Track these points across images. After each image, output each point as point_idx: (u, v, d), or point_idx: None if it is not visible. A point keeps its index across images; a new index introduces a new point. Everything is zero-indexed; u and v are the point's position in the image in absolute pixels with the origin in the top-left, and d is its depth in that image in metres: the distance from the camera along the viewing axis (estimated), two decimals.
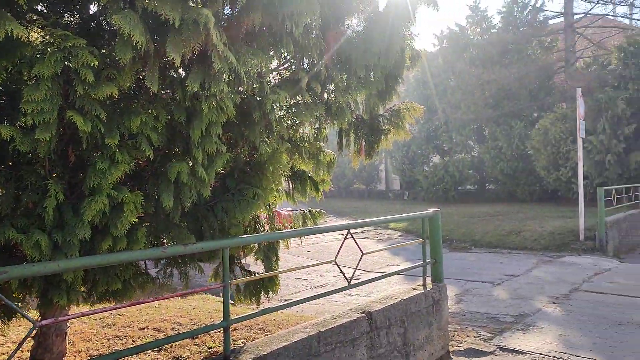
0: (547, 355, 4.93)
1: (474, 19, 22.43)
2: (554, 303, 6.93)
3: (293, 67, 3.88)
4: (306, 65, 3.88)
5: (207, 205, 3.62)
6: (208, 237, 3.58)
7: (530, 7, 20.90)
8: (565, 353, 4.98)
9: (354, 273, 4.33)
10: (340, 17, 3.81)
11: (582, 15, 20.51)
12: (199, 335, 4.29)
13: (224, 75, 2.93)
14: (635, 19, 21.48)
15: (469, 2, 22.21)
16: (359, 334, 3.85)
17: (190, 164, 3.15)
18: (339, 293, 4.39)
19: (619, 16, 22.59)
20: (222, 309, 3.16)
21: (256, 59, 3.13)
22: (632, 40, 16.31)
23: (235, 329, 4.58)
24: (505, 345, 5.21)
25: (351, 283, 4.15)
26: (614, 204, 11.76)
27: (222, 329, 3.15)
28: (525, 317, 6.23)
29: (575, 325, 5.87)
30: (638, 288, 7.71)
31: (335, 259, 4.06)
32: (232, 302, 4.52)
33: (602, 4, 20.67)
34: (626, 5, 21.23)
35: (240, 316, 3.26)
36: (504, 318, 6.22)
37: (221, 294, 4.24)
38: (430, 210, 5.25)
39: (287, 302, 3.65)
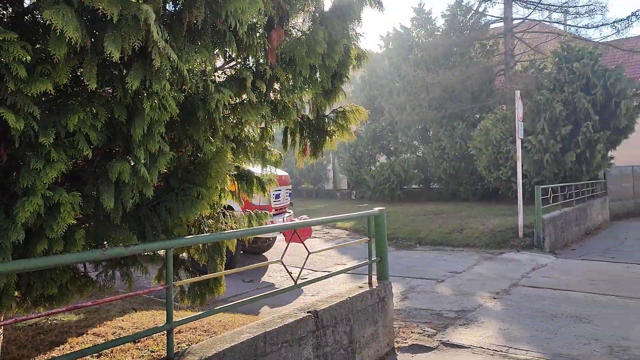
0: (488, 349, 5.09)
1: (418, 21, 22.90)
2: (495, 298, 7.17)
3: (238, 66, 3.85)
4: (251, 64, 3.85)
5: (150, 205, 3.54)
6: (151, 238, 3.50)
7: (472, 11, 21.53)
8: (505, 346, 5.16)
9: (300, 272, 4.35)
10: (285, 16, 3.81)
11: (521, 20, 21.28)
12: (142, 339, 4.18)
13: (167, 72, 2.87)
14: (569, 25, 22.46)
15: (414, 4, 22.66)
16: (305, 333, 3.86)
17: (132, 164, 3.07)
18: (287, 293, 4.38)
19: (555, 22, 23.55)
20: (165, 312, 3.10)
21: (200, 56, 3.09)
22: (566, 46, 17.10)
23: (179, 332, 4.50)
24: (448, 341, 5.35)
25: (297, 282, 4.16)
26: (550, 202, 12.28)
27: (165, 332, 3.08)
28: (468, 313, 6.41)
29: (514, 319, 6.10)
30: (571, 282, 8.09)
31: (282, 258, 4.06)
32: (176, 304, 4.44)
33: (539, 10, 21.50)
34: (561, 12, 22.17)
35: (183, 318, 3.21)
36: (447, 314, 6.39)
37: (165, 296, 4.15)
38: (376, 209, 5.33)
39: (233, 302, 3.62)
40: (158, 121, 2.97)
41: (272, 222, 8.28)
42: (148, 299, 6.79)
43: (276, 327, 3.58)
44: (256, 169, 4.69)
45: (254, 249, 10.58)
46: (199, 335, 4.47)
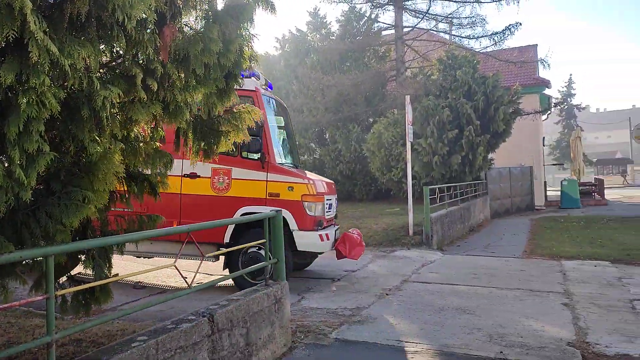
0: (381, 344, 5.28)
1: (314, 25, 23.28)
2: (387, 294, 7.45)
3: (127, 62, 3.67)
4: (142, 61, 3.69)
5: (28, 210, 3.28)
6: (29, 245, 3.25)
7: (365, 18, 22.26)
8: (397, 340, 5.38)
9: (194, 276, 4.24)
10: (177, 13, 3.70)
11: (411, 28, 22.33)
12: (19, 354, 3.86)
13: (46, 66, 2.67)
14: (454, 35, 23.88)
15: (309, 8, 22.98)
16: (200, 338, 3.77)
17: (7, 165, 2.83)
18: (182, 297, 4.25)
19: (441, 32, 24.94)
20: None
21: (84, 51, 2.90)
22: (450, 54, 18.22)
23: (62, 345, 4.21)
24: (343, 338, 5.47)
25: (192, 286, 4.05)
26: (438, 201, 12.98)
27: (45, 345, 2.87)
28: (362, 310, 6.60)
29: (405, 314, 6.37)
30: (457, 276, 8.61)
31: (175, 262, 3.93)
32: (58, 315, 4.15)
33: (427, 19, 22.67)
34: (446, 23, 23.55)
35: (66, 330, 3.00)
36: (342, 312, 6.53)
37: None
38: (272, 210, 5.33)
39: (121, 311, 3.45)
40: (36, 119, 2.76)
41: (327, 235, 7.90)
42: (27, 311, 6.28)
43: (169, 333, 3.46)
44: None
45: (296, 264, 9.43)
46: (85, 347, 4.21)
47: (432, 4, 21.95)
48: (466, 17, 21.56)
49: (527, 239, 13.50)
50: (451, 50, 18.90)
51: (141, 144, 4.15)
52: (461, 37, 22.38)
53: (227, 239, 7.79)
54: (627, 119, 61.72)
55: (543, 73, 25.54)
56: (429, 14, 21.97)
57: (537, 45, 27.07)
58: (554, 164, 38.31)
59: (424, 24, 22.50)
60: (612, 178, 52.02)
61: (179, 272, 4.01)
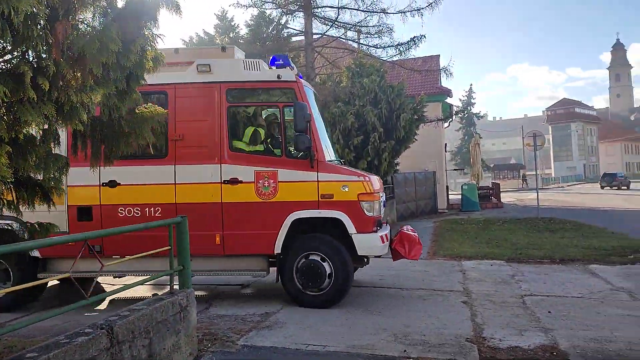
0: (289, 348, 5.27)
1: (223, 28, 22.97)
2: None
3: (15, 60, 3.43)
4: (31, 58, 3.47)
5: None
6: None
7: (275, 23, 22.29)
8: (305, 343, 5.39)
9: (93, 285, 4.03)
10: (72, 9, 3.50)
11: (320, 35, 22.64)
12: None
13: None
14: (362, 44, 24.50)
15: (217, 11, 22.63)
16: (98, 352, 3.57)
17: None
18: (78, 309, 4.01)
19: (350, 40, 25.47)
20: None
21: None
22: (358, 62, 18.70)
23: None
24: (251, 344, 5.41)
25: (90, 297, 3.84)
26: None
27: None
28: (271, 315, 6.57)
29: (314, 317, 6.41)
30: (364, 279, 8.80)
31: (70, 271, 3.71)
32: None
33: (336, 27, 23.08)
34: (355, 31, 24.11)
35: None
36: (251, 318, 6.46)
37: None
38: (178, 216, 5.18)
39: (9, 326, 3.19)
40: None
41: (386, 236, 7.14)
42: None
43: (63, 348, 3.25)
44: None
45: None
46: None
47: (340, 12, 22.23)
48: (374, 26, 22.16)
49: (430, 240, 14.08)
50: (359, 58, 19.38)
51: (33, 147, 3.88)
52: (369, 45, 22.94)
53: (278, 249, 6.91)
54: (520, 127, 66.49)
55: (445, 83, 26.82)
56: (338, 21, 22.37)
57: (439, 55, 28.37)
58: (455, 169, 40.45)
59: (333, 32, 22.87)
60: (507, 182, 55.78)
61: (74, 282, 3.79)
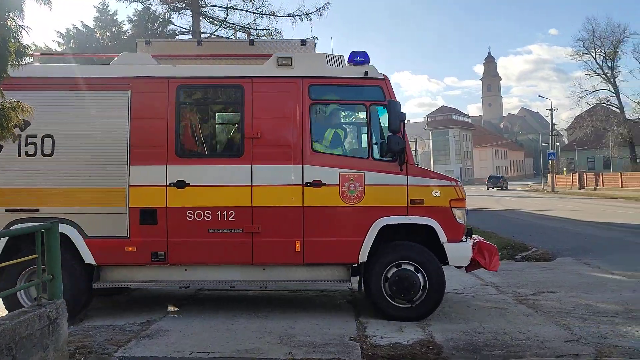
0: (172, 357, 5.10)
1: (103, 22, 21.80)
2: (183, 305, 7.27)
3: None
4: None
5: None
6: None
7: (160, 20, 21.54)
8: (188, 351, 5.24)
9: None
10: None
11: (209, 35, 22.22)
12: None
13: None
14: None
15: (97, 3, 21.41)
16: None
17: None
18: None
19: (239, 41, 25.24)
20: None
21: None
22: None
23: None
24: (130, 355, 5.15)
25: None
26: None
27: None
28: (153, 323, 6.30)
29: (199, 324, 6.24)
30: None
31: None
32: None
33: (225, 27, 22.81)
34: (244, 33, 23.98)
35: None
36: (131, 327, 6.15)
37: None
38: (48, 222, 4.81)
39: None
40: None
41: (477, 243, 6.65)
42: None
43: None
44: None
45: None
46: None
47: (230, 12, 22.01)
48: (263, 29, 22.22)
49: None
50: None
51: None
52: None
53: (363, 257, 6.34)
54: None
55: None
56: (227, 22, 22.13)
57: None
58: None
59: (222, 32, 22.57)
60: None
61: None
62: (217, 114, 7.49)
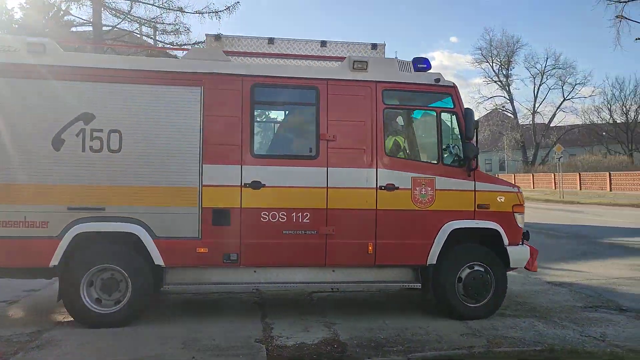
0: None
1: None
2: None
3: None
4: None
5: None
6: None
7: (56, 9, 20.23)
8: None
9: None
10: None
11: (111, 28, 21.24)
12: None
13: None
14: (159, 41, 23.72)
15: None
16: None
17: None
18: None
19: (145, 35, 24.42)
20: None
21: None
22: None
23: None
24: None
25: None
26: None
27: None
28: (44, 333, 5.85)
29: (96, 332, 5.85)
30: None
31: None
32: None
33: (129, 21, 21.92)
34: (150, 27, 23.19)
35: None
36: (18, 338, 5.65)
37: None
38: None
39: None
40: None
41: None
42: None
43: None
44: None
45: None
46: None
47: (134, 5, 21.20)
48: (170, 24, 21.64)
49: None
50: (155, 54, 18.64)
51: None
52: (165, 43, 22.29)
53: (432, 259, 6.48)
54: None
55: None
56: (131, 15, 21.27)
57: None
58: None
59: (126, 25, 21.67)
60: None
61: None
62: (291, 114, 7.38)
